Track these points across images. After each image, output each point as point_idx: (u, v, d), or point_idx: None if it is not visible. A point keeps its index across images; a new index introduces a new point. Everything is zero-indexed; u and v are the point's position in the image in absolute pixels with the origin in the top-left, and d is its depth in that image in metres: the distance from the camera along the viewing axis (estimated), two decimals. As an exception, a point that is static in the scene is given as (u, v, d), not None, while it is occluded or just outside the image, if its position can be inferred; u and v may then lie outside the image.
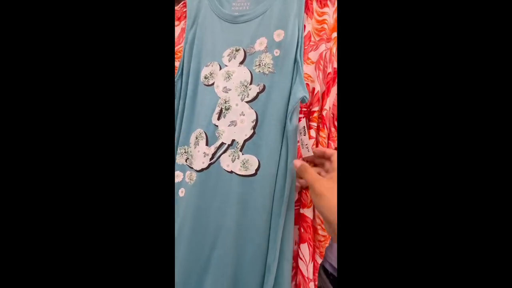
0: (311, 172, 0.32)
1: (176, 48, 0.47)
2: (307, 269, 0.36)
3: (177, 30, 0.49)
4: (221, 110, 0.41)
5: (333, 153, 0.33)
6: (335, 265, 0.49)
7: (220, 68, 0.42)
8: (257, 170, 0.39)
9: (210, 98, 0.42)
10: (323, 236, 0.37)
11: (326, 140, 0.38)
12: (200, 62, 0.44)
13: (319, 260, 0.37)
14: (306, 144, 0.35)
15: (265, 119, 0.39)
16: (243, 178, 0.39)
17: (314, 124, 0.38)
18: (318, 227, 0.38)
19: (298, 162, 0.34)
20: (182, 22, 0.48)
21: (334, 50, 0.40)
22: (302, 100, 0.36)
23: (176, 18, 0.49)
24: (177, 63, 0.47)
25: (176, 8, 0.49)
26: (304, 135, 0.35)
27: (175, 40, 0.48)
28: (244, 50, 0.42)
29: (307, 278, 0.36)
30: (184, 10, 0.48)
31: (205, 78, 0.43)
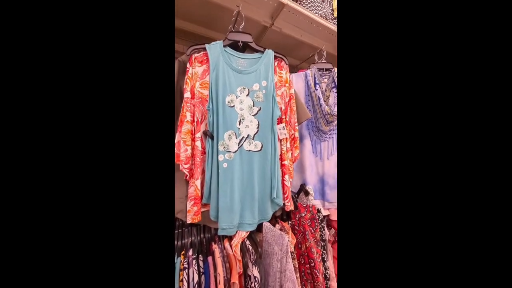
0: None
1: (202, 80, 0.79)
2: (289, 181, 0.87)
3: (201, 69, 0.79)
4: (240, 120, 0.80)
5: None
6: None
7: (237, 98, 0.80)
8: (261, 148, 0.83)
9: (234, 114, 0.79)
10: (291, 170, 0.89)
11: (289, 131, 0.88)
12: (224, 94, 0.79)
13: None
14: (284, 133, 0.84)
15: (262, 124, 0.83)
16: (256, 153, 0.82)
17: (283, 124, 0.87)
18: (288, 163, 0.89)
19: None
20: (205, 65, 0.79)
21: (288, 90, 0.89)
22: (279, 116, 0.83)
23: (199, 61, 0.79)
24: (206, 91, 0.79)
25: (197, 55, 0.79)
26: (283, 129, 0.84)
27: (200, 75, 0.79)
28: (248, 89, 0.82)
29: (288, 187, 0.87)
30: (205, 58, 0.79)
31: (228, 102, 0.79)
